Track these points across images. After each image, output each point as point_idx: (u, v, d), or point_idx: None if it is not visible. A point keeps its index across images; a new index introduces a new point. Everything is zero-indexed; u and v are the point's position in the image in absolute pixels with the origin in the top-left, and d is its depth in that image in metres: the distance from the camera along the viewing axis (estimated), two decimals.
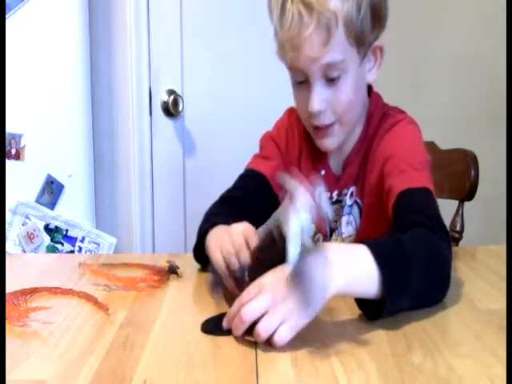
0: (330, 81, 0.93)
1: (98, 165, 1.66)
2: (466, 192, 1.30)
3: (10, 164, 1.50)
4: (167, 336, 0.70)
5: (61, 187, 1.56)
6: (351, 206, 1.03)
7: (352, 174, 1.03)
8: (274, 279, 0.67)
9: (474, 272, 0.93)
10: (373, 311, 0.71)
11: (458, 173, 1.32)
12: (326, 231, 1.05)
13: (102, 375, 0.59)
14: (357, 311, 0.74)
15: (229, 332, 0.68)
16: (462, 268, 0.93)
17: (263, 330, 0.64)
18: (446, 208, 1.15)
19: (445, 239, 0.80)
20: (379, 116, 1.02)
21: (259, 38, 1.75)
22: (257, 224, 1.05)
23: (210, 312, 0.76)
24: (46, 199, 1.55)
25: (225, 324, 0.69)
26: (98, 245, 1.61)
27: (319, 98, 0.93)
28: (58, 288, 0.85)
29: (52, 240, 1.56)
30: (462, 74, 2.02)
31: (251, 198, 1.05)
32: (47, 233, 1.55)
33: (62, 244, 1.57)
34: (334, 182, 1.05)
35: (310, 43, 0.89)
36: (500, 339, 0.66)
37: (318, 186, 0.65)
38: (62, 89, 1.53)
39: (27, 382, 0.59)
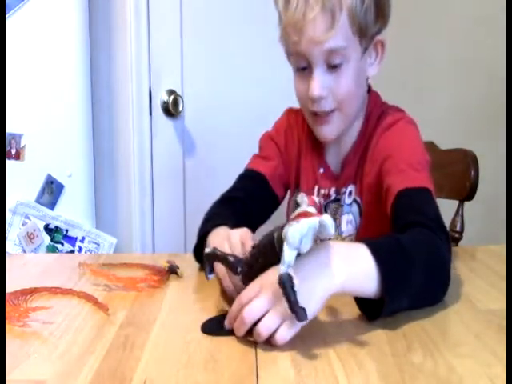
0: (332, 68, 0.93)
1: (98, 165, 1.66)
2: (466, 192, 1.30)
3: (9, 164, 1.50)
4: (167, 336, 0.70)
5: (61, 187, 1.56)
6: (350, 204, 1.03)
7: (351, 173, 1.03)
8: (274, 278, 0.67)
9: (474, 272, 0.93)
10: (372, 311, 0.71)
11: (458, 173, 1.32)
12: None
13: (102, 375, 0.59)
14: (357, 311, 0.74)
15: (229, 332, 0.68)
16: (461, 268, 0.93)
17: (264, 329, 0.64)
18: (446, 208, 1.15)
19: (444, 239, 0.80)
20: (378, 114, 1.02)
21: (259, 38, 1.76)
22: (256, 224, 1.05)
23: (210, 312, 0.77)
24: (45, 199, 1.55)
25: (226, 324, 0.69)
26: (98, 245, 1.61)
27: (320, 84, 0.94)
28: (58, 288, 0.85)
29: (52, 240, 1.56)
30: (462, 74, 2.02)
31: (251, 198, 1.05)
32: (47, 233, 1.55)
33: (62, 244, 1.57)
34: (333, 181, 1.06)
35: (313, 26, 0.90)
36: (500, 339, 0.66)
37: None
38: (62, 89, 1.53)
39: (27, 381, 0.59)
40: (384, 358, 0.63)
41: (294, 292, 0.61)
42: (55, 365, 0.62)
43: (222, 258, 0.76)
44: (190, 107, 1.78)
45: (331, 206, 1.06)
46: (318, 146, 1.07)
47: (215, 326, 0.71)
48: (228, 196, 1.07)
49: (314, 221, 0.62)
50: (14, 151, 1.51)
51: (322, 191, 1.07)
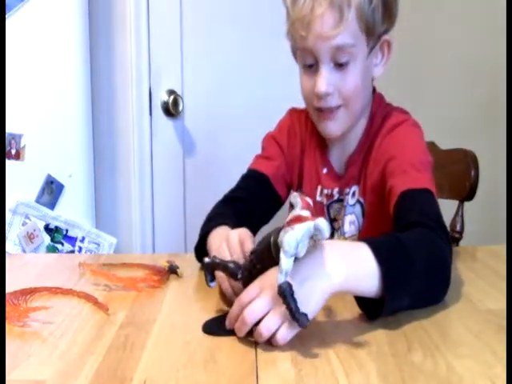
0: (339, 66, 0.93)
1: (98, 165, 1.66)
2: (466, 192, 1.30)
3: (9, 164, 1.50)
4: (167, 336, 0.70)
5: (61, 187, 1.56)
6: (353, 205, 1.03)
7: (354, 173, 1.03)
8: (273, 279, 0.67)
9: (474, 272, 0.93)
10: (373, 310, 0.71)
11: (458, 173, 1.32)
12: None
13: (102, 375, 0.59)
14: (357, 311, 0.74)
15: (230, 332, 0.68)
16: (462, 268, 0.93)
17: (265, 330, 0.64)
18: (446, 208, 1.15)
19: (445, 239, 0.80)
20: (382, 115, 1.02)
21: (259, 38, 1.76)
22: (259, 224, 1.05)
23: (210, 312, 0.77)
24: (45, 199, 1.55)
25: (227, 325, 0.69)
26: (98, 245, 1.61)
27: (327, 80, 0.93)
28: (58, 288, 0.85)
29: (52, 240, 1.56)
30: (462, 73, 2.02)
31: (254, 198, 1.05)
32: (47, 233, 1.55)
33: (62, 244, 1.57)
34: (336, 181, 1.06)
35: (321, 22, 0.90)
36: (500, 339, 0.66)
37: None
38: (62, 89, 1.53)
39: (27, 382, 0.59)
40: (384, 357, 0.63)
41: (295, 300, 0.62)
42: (55, 365, 0.62)
43: (222, 267, 0.76)
44: (189, 107, 1.78)
45: (334, 206, 1.06)
46: (321, 146, 1.07)
47: (216, 326, 0.71)
48: (231, 196, 1.07)
49: (308, 225, 0.61)
50: (14, 151, 1.51)
51: (325, 191, 1.07)
